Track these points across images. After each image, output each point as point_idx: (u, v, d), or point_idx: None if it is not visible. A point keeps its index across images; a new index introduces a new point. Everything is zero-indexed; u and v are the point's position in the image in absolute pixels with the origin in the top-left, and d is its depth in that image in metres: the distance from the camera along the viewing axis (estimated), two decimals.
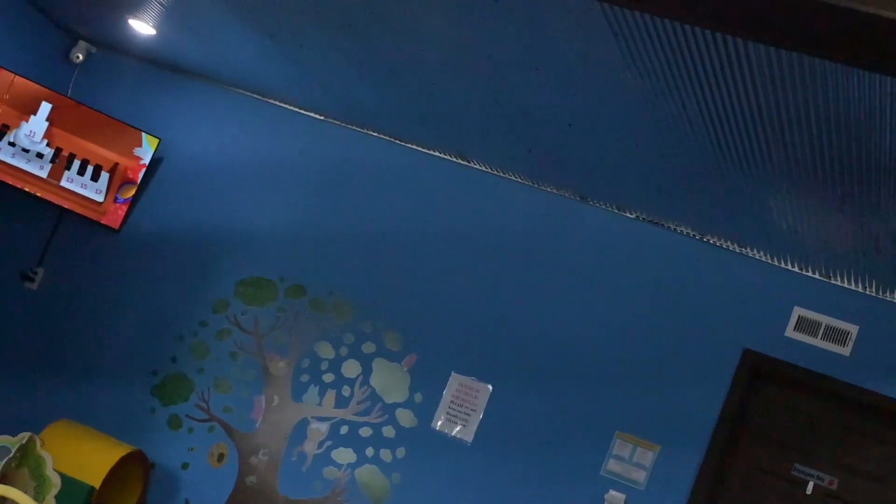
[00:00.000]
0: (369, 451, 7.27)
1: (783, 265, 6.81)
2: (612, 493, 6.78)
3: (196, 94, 8.25)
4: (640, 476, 6.77)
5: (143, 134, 8.03)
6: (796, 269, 6.79)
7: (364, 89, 6.87)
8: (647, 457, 6.79)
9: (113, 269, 8.08)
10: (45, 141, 7.81)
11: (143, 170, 8.04)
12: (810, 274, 6.76)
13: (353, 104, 7.33)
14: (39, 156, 7.79)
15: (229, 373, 7.62)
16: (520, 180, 7.38)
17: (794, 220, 6.02)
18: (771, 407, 6.78)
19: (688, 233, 7.01)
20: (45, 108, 7.82)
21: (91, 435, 7.24)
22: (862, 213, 5.50)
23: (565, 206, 7.30)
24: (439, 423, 7.20)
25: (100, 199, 7.96)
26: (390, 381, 7.35)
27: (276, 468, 7.38)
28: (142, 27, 7.42)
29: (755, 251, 6.83)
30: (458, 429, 7.15)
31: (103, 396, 7.80)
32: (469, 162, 7.49)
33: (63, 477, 6.54)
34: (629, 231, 7.15)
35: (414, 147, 7.66)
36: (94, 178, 7.95)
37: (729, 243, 6.90)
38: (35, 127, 7.77)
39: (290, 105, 7.96)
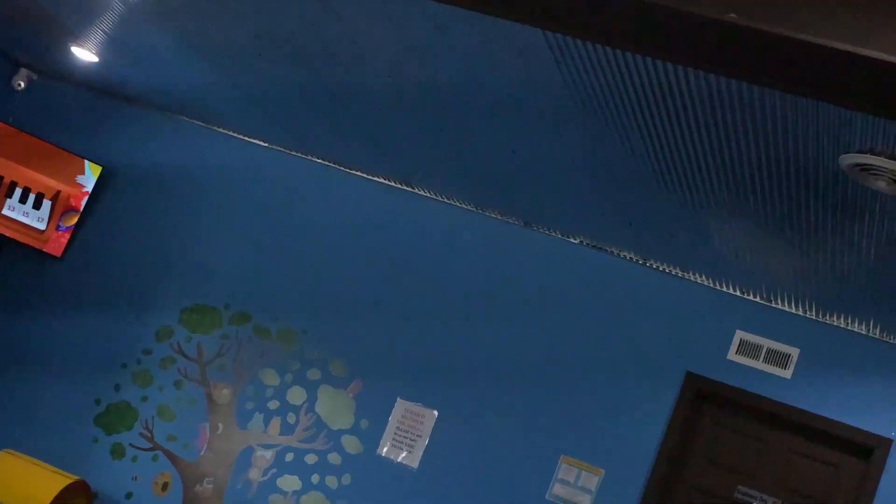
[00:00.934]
0: (315, 478, 7.24)
1: (725, 289, 6.87)
2: None
3: (140, 122, 8.21)
4: (585, 500, 6.79)
5: (86, 161, 7.98)
6: (738, 293, 6.85)
7: (308, 117, 6.87)
8: (592, 481, 6.81)
9: (55, 297, 8.01)
10: None
11: (86, 197, 7.98)
12: (752, 298, 6.83)
13: (297, 131, 7.32)
14: None
15: (173, 401, 7.57)
16: (465, 206, 7.40)
17: (735, 245, 6.06)
18: (714, 429, 6.82)
19: (631, 258, 7.05)
20: None
21: (34, 465, 7.16)
22: (801, 238, 5.53)
23: (510, 232, 7.32)
24: (385, 449, 7.18)
25: (42, 227, 7.90)
26: (336, 408, 7.33)
27: (221, 496, 7.33)
28: (84, 54, 7.38)
29: (697, 276, 6.89)
30: (403, 455, 7.14)
31: (46, 426, 7.71)
32: (414, 188, 7.51)
33: None
34: (573, 256, 7.18)
35: (359, 174, 7.66)
36: (36, 206, 7.88)
37: (671, 268, 6.95)
38: None
39: (235, 132, 7.94)
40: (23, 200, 7.86)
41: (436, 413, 7.16)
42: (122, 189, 8.12)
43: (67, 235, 7.98)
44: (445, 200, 7.45)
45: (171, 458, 7.47)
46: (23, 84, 8.37)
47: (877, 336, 6.61)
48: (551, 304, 7.17)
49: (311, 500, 7.21)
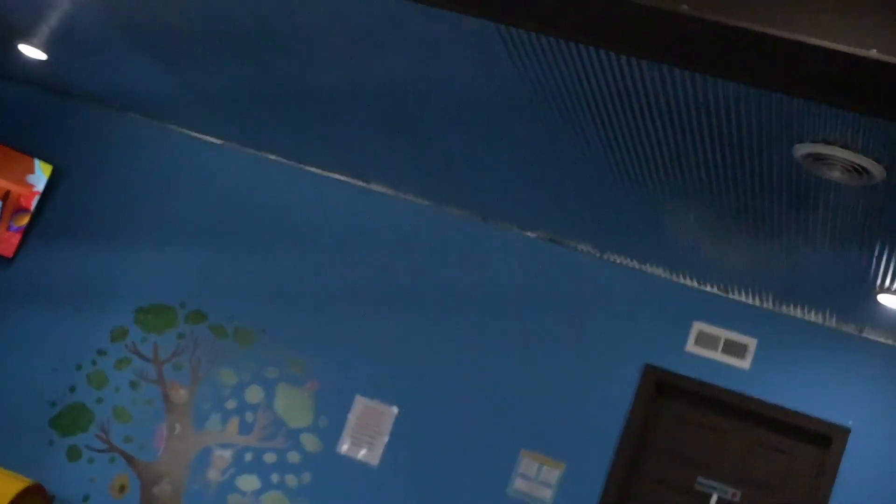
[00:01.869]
0: (274, 478, 7.20)
1: (682, 281, 6.90)
2: None
3: (91, 120, 8.12)
4: (546, 494, 6.79)
5: (36, 160, 7.88)
6: (695, 285, 6.88)
7: (261, 113, 6.83)
8: (553, 475, 6.81)
9: (7, 298, 7.91)
10: None
11: (37, 197, 7.89)
12: (709, 289, 6.86)
13: (251, 128, 7.28)
14: None
15: (129, 402, 7.50)
16: (422, 202, 7.38)
17: (691, 237, 6.09)
18: (673, 421, 6.85)
19: (588, 251, 7.07)
20: None
21: None
22: (756, 229, 5.56)
23: (467, 227, 7.32)
24: (345, 446, 7.15)
25: None
26: (294, 406, 7.29)
27: (179, 497, 7.28)
28: (32, 52, 7.28)
29: (654, 268, 6.91)
30: (363, 452, 7.11)
31: (1, 429, 7.62)
32: (370, 184, 7.48)
33: None
34: (531, 251, 7.19)
35: (314, 170, 7.62)
36: None
37: (629, 260, 6.97)
38: None
39: (188, 129, 7.88)
40: None
41: (395, 410, 7.15)
42: (74, 188, 8.03)
43: (18, 236, 7.88)
44: (402, 196, 7.43)
45: (128, 459, 7.41)
46: None
47: (833, 326, 6.66)
48: (510, 298, 7.18)
49: (271, 499, 7.17)
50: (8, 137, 7.99)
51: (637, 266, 6.97)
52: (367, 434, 7.14)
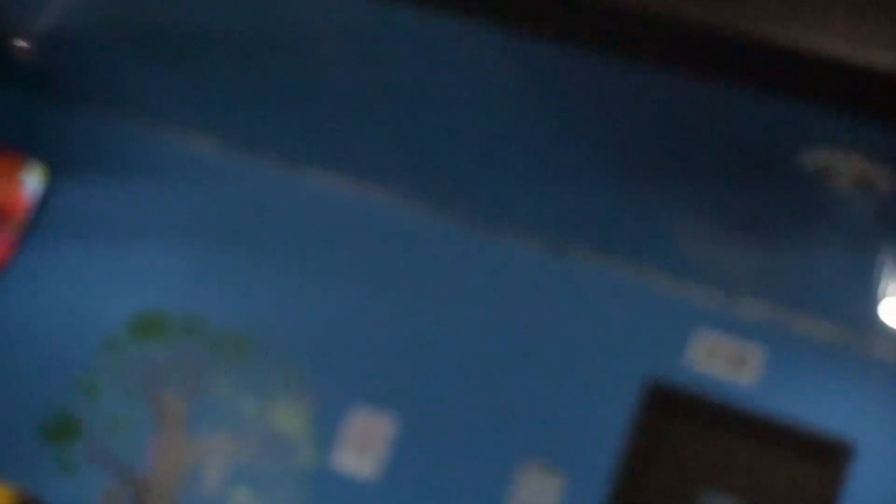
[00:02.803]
0: (268, 491, 7.17)
1: (685, 291, 6.90)
2: None
3: (87, 124, 8.11)
4: None
5: (29, 163, 7.85)
6: (698, 295, 6.88)
7: (257, 115, 6.85)
8: (553, 488, 6.81)
9: None
10: None
11: (30, 202, 7.85)
12: (712, 299, 6.86)
13: (246, 130, 7.28)
14: None
15: (122, 412, 7.47)
16: (420, 211, 7.38)
17: (696, 245, 6.11)
18: (675, 434, 6.86)
19: (589, 260, 7.07)
20: None
21: None
22: (764, 237, 5.59)
23: (466, 237, 7.32)
24: (341, 459, 7.13)
25: None
26: (289, 418, 7.27)
27: None
28: (26, 51, 7.24)
29: (657, 277, 6.92)
30: (360, 465, 7.10)
31: None
32: (369, 191, 7.48)
33: None
34: (531, 262, 7.19)
35: (311, 177, 7.61)
36: None
37: (631, 269, 6.97)
38: None
39: (183, 132, 7.86)
40: None
41: (393, 423, 7.13)
42: (69, 192, 8.00)
43: (11, 243, 7.85)
44: (402, 205, 7.43)
45: (120, 470, 7.37)
46: None
47: (840, 338, 6.64)
48: (509, 310, 7.18)
49: None
50: (0, 137, 7.97)
51: (639, 275, 6.98)
52: (363, 446, 7.13)
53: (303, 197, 7.64)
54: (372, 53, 5.19)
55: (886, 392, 6.55)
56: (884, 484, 6.42)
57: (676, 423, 6.86)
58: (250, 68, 6.02)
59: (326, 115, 6.29)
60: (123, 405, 7.50)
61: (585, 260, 7.08)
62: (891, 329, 6.19)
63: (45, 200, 8.01)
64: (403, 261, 7.40)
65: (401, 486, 7.02)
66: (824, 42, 2.98)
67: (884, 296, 5.74)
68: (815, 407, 6.59)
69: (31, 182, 7.87)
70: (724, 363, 6.76)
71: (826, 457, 6.55)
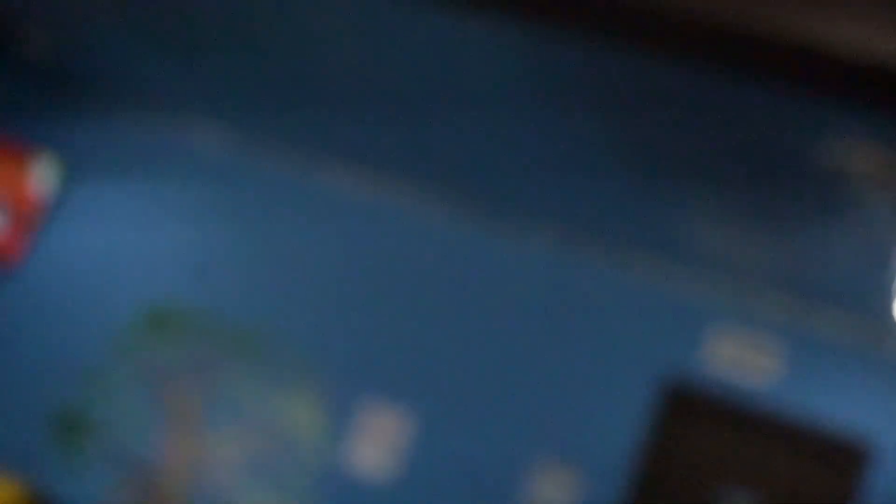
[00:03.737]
0: (281, 486, 7.16)
1: (700, 287, 6.90)
2: None
3: (102, 119, 8.11)
4: None
5: (41, 157, 7.85)
6: (714, 291, 6.88)
7: (264, 104, 6.83)
8: (570, 486, 6.80)
9: (13, 302, 7.89)
10: None
11: (45, 196, 7.85)
12: (728, 295, 6.84)
13: (254, 121, 7.27)
14: None
15: (134, 406, 7.47)
16: (433, 205, 7.37)
17: (713, 242, 6.09)
18: (692, 432, 6.85)
19: (604, 257, 7.06)
20: None
21: None
22: (779, 231, 5.56)
23: (480, 233, 7.31)
24: (354, 456, 7.12)
25: None
26: (302, 413, 7.26)
27: None
28: (40, 43, 7.25)
29: (674, 273, 6.91)
30: (373, 462, 7.08)
31: (3, 434, 7.60)
32: (380, 185, 7.46)
33: None
34: (546, 258, 7.18)
35: (322, 175, 7.59)
36: None
37: (647, 266, 6.96)
38: None
39: (191, 121, 7.85)
40: None
41: (405, 417, 7.11)
42: (81, 186, 8.01)
43: (26, 237, 7.85)
44: (416, 203, 7.41)
45: (132, 465, 7.37)
46: None
47: (858, 337, 6.62)
48: (523, 307, 7.18)
49: None
50: (13, 130, 7.96)
51: (654, 272, 6.97)
52: (376, 442, 7.11)
53: (314, 190, 7.64)
54: (380, 47, 5.18)
55: None
56: None
57: (693, 422, 6.84)
58: (261, 63, 6.02)
59: (335, 109, 6.29)
60: (136, 400, 7.50)
61: (602, 256, 7.07)
62: None
63: (59, 194, 8.01)
64: (418, 256, 7.39)
65: (414, 481, 7.02)
66: (841, 36, 2.98)
67: None
68: (834, 406, 6.58)
69: (46, 176, 7.87)
70: (741, 361, 6.75)
71: (844, 458, 6.52)
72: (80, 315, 7.77)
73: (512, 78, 4.91)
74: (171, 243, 7.78)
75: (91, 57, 7.24)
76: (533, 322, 7.11)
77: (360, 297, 7.41)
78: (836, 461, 6.57)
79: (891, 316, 6.10)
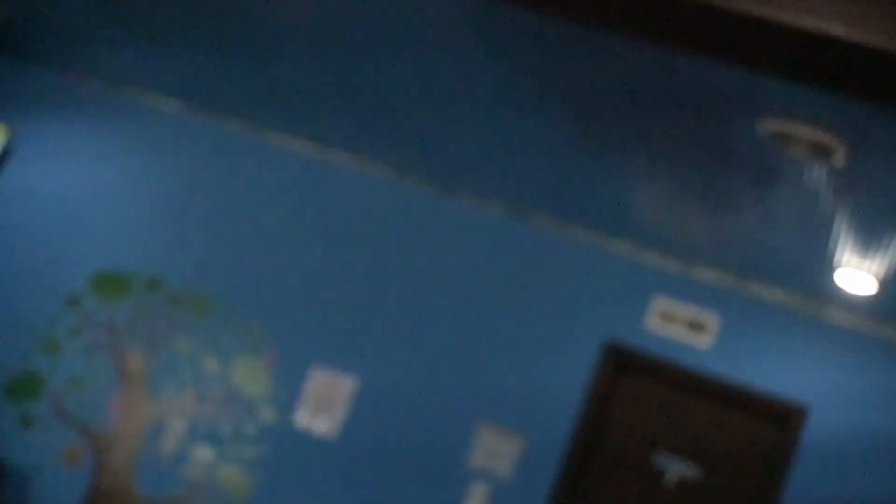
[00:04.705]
0: (230, 449, 7.17)
1: (644, 256, 6.93)
2: (477, 485, 6.79)
3: (50, 84, 8.04)
4: (504, 468, 6.82)
5: None
6: (657, 260, 6.90)
7: (221, 77, 6.79)
8: (512, 448, 6.84)
9: None
10: None
11: None
12: (671, 265, 6.88)
13: (208, 91, 7.23)
14: None
15: (83, 369, 7.44)
16: (383, 172, 7.36)
17: (654, 210, 6.10)
18: (633, 397, 6.88)
19: (549, 225, 7.08)
20: None
21: None
22: (720, 204, 5.59)
23: (428, 199, 7.32)
24: (302, 418, 7.13)
25: None
26: (251, 377, 7.26)
27: (133, 467, 7.23)
28: None
29: (617, 242, 6.94)
30: (320, 424, 7.10)
31: None
32: (329, 153, 7.44)
33: None
34: (491, 225, 7.20)
35: (273, 138, 7.57)
36: None
37: (590, 234, 6.99)
38: None
39: (147, 95, 7.80)
40: None
41: (353, 382, 7.14)
42: (30, 151, 7.95)
43: None
44: (362, 166, 7.41)
45: (81, 428, 7.35)
46: None
47: (795, 304, 6.69)
48: (470, 272, 7.18)
49: (226, 470, 7.13)
50: None
51: (599, 241, 6.99)
52: (324, 406, 7.12)
53: (265, 157, 7.61)
54: (331, 16, 5.14)
55: (840, 357, 6.60)
56: (835, 448, 6.47)
57: (633, 386, 6.88)
58: (209, 31, 5.95)
59: (287, 77, 6.25)
60: (85, 363, 7.47)
61: (546, 224, 7.09)
62: (844, 295, 6.22)
63: (7, 160, 7.95)
64: (364, 222, 7.38)
65: (361, 444, 7.03)
66: (782, 11, 2.95)
67: (838, 263, 5.76)
68: (770, 371, 6.63)
69: None
70: (681, 327, 6.78)
71: (780, 419, 6.60)
72: (29, 279, 7.72)
73: (460, 49, 4.88)
74: (120, 208, 7.74)
75: (40, 25, 7.15)
76: (479, 287, 7.13)
77: (307, 261, 7.41)
78: (772, 424, 6.64)
79: (826, 285, 6.18)
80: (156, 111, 7.83)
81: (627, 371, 6.88)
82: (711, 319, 6.77)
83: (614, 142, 5.30)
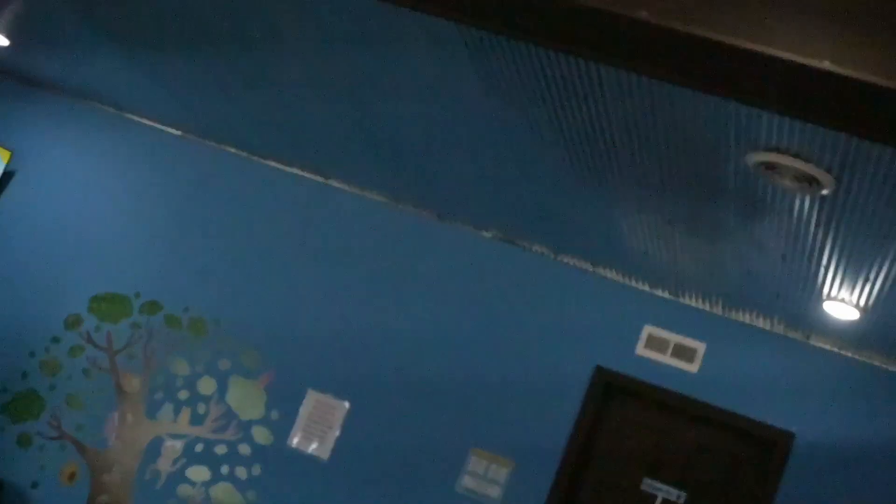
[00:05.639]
0: (224, 469, 7.20)
1: (634, 285, 6.96)
2: None
3: (51, 107, 8.07)
4: (495, 492, 6.83)
5: None
6: (646, 289, 6.94)
7: (220, 104, 6.82)
8: (502, 473, 6.85)
9: None
10: None
11: None
12: (660, 293, 6.92)
13: (210, 119, 7.26)
14: None
15: (82, 390, 7.47)
16: (379, 199, 7.40)
17: (644, 240, 6.12)
18: (622, 423, 6.89)
19: (542, 252, 7.11)
20: None
21: None
22: (708, 234, 5.60)
23: (424, 225, 7.35)
24: (295, 440, 7.16)
25: None
26: (246, 399, 7.29)
27: (129, 486, 7.25)
28: None
29: (607, 270, 6.96)
30: (314, 446, 7.12)
31: None
32: (327, 179, 7.49)
33: None
34: (486, 250, 7.23)
35: (273, 164, 7.62)
36: None
37: (582, 263, 7.02)
38: None
39: (148, 120, 7.85)
40: None
41: (347, 404, 7.16)
42: (32, 174, 7.98)
43: None
44: (360, 193, 7.44)
45: (79, 447, 7.38)
46: None
47: (781, 332, 6.72)
48: (464, 297, 7.21)
49: (221, 490, 7.16)
50: None
51: (590, 269, 7.02)
52: (318, 428, 7.14)
53: (263, 182, 7.64)
54: (332, 52, 5.19)
55: (825, 384, 6.62)
56: (820, 474, 6.49)
57: (623, 412, 6.89)
58: (212, 60, 5.99)
59: (288, 107, 6.28)
60: (83, 383, 7.49)
61: (539, 253, 7.12)
62: (829, 322, 6.21)
63: (8, 183, 7.98)
64: (361, 247, 7.41)
65: (353, 467, 7.04)
66: (772, 45, 2.92)
67: (824, 291, 5.79)
68: (756, 397, 6.65)
69: None
70: (670, 354, 6.81)
71: (765, 446, 6.62)
72: (28, 300, 7.74)
73: (458, 84, 4.92)
74: (120, 232, 7.76)
75: (42, 51, 7.20)
76: (472, 314, 7.16)
77: (303, 286, 7.42)
78: (759, 447, 6.64)
79: (812, 313, 6.20)
80: (157, 135, 7.87)
81: (617, 396, 6.90)
82: (700, 347, 6.80)
83: (606, 173, 5.31)
